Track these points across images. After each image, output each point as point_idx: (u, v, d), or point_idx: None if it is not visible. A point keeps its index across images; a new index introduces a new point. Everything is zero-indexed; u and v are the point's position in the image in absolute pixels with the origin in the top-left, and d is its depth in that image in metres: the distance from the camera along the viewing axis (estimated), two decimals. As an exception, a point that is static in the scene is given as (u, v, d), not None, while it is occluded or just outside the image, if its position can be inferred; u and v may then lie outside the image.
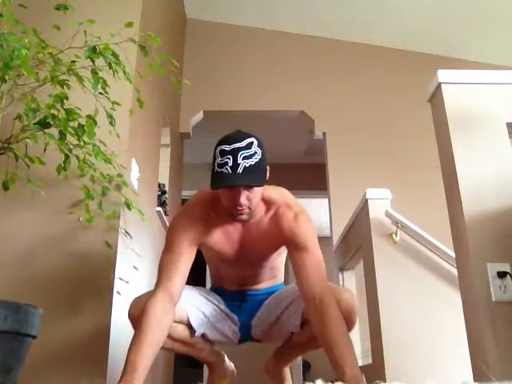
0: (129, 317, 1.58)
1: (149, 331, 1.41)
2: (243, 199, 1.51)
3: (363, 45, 4.77)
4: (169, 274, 1.53)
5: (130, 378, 1.32)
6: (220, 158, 1.48)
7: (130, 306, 1.59)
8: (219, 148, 1.50)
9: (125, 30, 1.77)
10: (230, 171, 1.45)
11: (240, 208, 1.52)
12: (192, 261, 1.62)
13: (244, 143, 1.49)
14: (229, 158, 1.46)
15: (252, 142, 1.50)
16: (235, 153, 1.46)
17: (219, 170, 1.47)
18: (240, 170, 1.45)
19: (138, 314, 1.47)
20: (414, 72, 4.49)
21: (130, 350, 1.38)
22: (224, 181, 1.47)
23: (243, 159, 1.46)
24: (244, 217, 1.57)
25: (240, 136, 1.52)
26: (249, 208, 1.55)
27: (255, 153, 1.50)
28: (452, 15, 4.30)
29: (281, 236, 1.64)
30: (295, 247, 1.61)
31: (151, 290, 1.55)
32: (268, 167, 1.58)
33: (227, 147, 1.48)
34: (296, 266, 1.60)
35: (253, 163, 1.48)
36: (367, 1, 4.29)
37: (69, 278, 1.92)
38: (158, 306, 1.46)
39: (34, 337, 1.42)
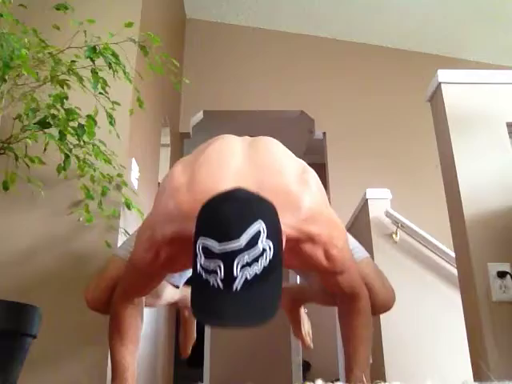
0: (88, 301, 1.48)
1: (126, 330, 1.37)
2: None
3: (363, 45, 4.77)
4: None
5: (122, 379, 1.31)
6: (204, 260, 0.92)
7: (88, 291, 1.48)
8: (202, 241, 0.93)
9: (125, 30, 1.77)
10: (222, 287, 0.91)
11: None
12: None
13: (244, 240, 0.90)
14: (219, 266, 0.90)
15: (258, 234, 0.92)
16: (229, 257, 0.90)
17: (204, 276, 0.92)
18: (238, 286, 0.90)
19: (99, 300, 1.42)
20: (414, 72, 4.49)
21: (114, 349, 1.35)
22: (211, 310, 0.91)
23: (242, 268, 0.90)
24: None
25: (237, 221, 0.92)
26: None
27: (263, 251, 0.92)
28: (452, 15, 4.30)
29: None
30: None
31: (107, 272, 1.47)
32: (290, 232, 1.10)
33: (215, 247, 0.91)
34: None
35: (259, 271, 0.91)
36: (367, 1, 4.29)
37: (69, 278, 1.92)
38: (129, 306, 1.39)
39: (34, 337, 1.42)
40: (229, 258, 0.90)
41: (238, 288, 0.90)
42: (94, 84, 1.65)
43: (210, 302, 0.91)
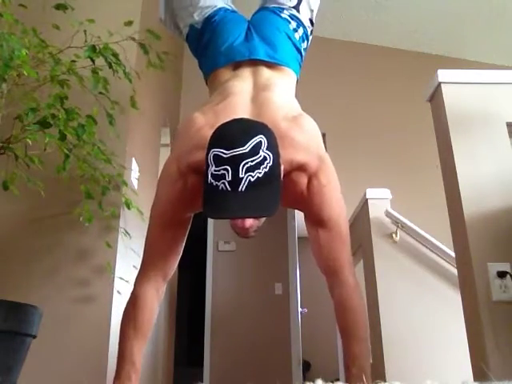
0: None
1: (143, 323, 1.34)
2: (248, 224, 1.19)
3: (363, 45, 4.77)
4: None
5: (127, 374, 1.29)
6: (215, 167, 1.12)
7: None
8: (213, 152, 1.13)
9: (125, 29, 1.77)
10: (229, 188, 1.09)
11: (244, 232, 1.24)
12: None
13: (248, 147, 1.11)
14: (227, 170, 1.10)
15: (260, 143, 1.12)
16: (236, 162, 1.09)
17: (214, 183, 1.11)
18: (243, 187, 1.09)
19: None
20: (413, 72, 4.49)
21: (126, 339, 1.32)
22: (220, 206, 1.10)
23: (247, 171, 1.09)
24: (251, 235, 1.31)
25: (243, 134, 1.13)
26: (257, 227, 1.28)
27: (264, 159, 1.11)
28: (452, 15, 4.30)
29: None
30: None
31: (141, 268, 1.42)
32: (283, 167, 1.21)
33: (224, 153, 1.11)
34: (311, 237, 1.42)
35: (261, 175, 1.10)
36: (367, 1, 4.29)
37: (69, 278, 1.92)
38: (150, 291, 1.37)
39: (34, 337, 1.42)
40: (235, 161, 1.09)
41: (243, 189, 1.09)
42: (94, 84, 1.65)
43: (219, 201, 1.10)
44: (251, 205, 1.09)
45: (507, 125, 1.80)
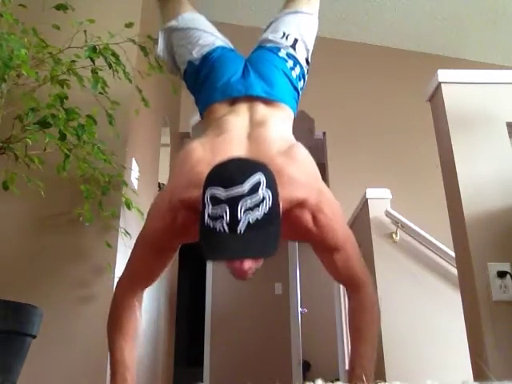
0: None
1: (130, 328, 1.36)
2: (247, 266, 1.10)
3: (363, 45, 4.77)
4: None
5: (122, 376, 1.30)
6: (212, 208, 1.06)
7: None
8: (210, 191, 1.08)
9: (125, 30, 1.77)
10: (227, 230, 1.04)
11: (242, 275, 1.15)
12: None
13: (247, 186, 1.06)
14: (224, 211, 1.04)
15: (258, 183, 1.07)
16: (234, 202, 1.05)
17: (211, 224, 1.06)
18: (241, 228, 1.04)
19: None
20: (413, 72, 4.49)
21: (114, 344, 1.34)
22: (218, 249, 1.06)
23: (245, 212, 1.04)
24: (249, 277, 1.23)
25: (240, 173, 1.08)
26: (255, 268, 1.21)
27: (263, 198, 1.06)
28: (452, 15, 4.30)
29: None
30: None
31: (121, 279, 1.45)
32: (281, 206, 1.16)
33: (221, 193, 1.06)
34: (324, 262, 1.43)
35: (260, 216, 1.05)
36: (367, 1, 4.29)
37: (69, 278, 1.92)
38: (132, 300, 1.40)
39: (34, 337, 1.42)
40: (233, 202, 1.04)
41: (242, 230, 1.04)
42: (93, 84, 1.65)
43: (217, 243, 1.05)
44: (250, 247, 1.05)
45: (507, 125, 1.80)
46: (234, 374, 4.71)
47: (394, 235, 2.90)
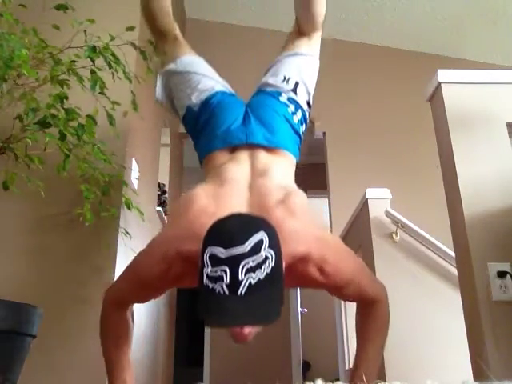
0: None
1: (123, 334, 1.35)
2: (247, 332, 1.06)
3: (363, 45, 4.77)
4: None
5: (121, 378, 1.30)
6: (211, 268, 1.00)
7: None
8: (209, 250, 1.01)
9: (125, 33, 1.77)
10: (227, 292, 0.97)
11: (243, 339, 1.10)
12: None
13: (247, 245, 0.99)
14: (224, 271, 0.98)
15: (261, 241, 1.01)
16: (234, 263, 0.98)
17: (210, 285, 0.99)
18: (242, 290, 0.97)
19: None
20: (413, 72, 4.49)
21: (109, 351, 1.33)
22: (217, 313, 0.99)
23: (247, 273, 0.98)
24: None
25: (241, 232, 1.02)
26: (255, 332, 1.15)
27: (266, 258, 1.00)
28: (452, 15, 4.30)
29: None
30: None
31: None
32: (284, 264, 1.10)
33: (221, 252, 0.99)
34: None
35: (262, 277, 0.98)
36: (367, 1, 4.29)
37: (69, 278, 1.92)
38: (124, 312, 1.39)
39: (34, 337, 1.42)
40: (234, 262, 0.98)
41: (243, 292, 0.97)
42: (92, 84, 1.65)
43: (217, 306, 0.98)
44: (252, 311, 0.97)
45: (507, 125, 1.80)
46: (233, 374, 4.71)
47: (393, 235, 2.90)
